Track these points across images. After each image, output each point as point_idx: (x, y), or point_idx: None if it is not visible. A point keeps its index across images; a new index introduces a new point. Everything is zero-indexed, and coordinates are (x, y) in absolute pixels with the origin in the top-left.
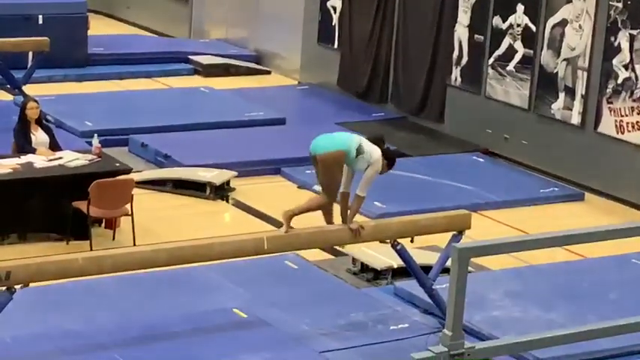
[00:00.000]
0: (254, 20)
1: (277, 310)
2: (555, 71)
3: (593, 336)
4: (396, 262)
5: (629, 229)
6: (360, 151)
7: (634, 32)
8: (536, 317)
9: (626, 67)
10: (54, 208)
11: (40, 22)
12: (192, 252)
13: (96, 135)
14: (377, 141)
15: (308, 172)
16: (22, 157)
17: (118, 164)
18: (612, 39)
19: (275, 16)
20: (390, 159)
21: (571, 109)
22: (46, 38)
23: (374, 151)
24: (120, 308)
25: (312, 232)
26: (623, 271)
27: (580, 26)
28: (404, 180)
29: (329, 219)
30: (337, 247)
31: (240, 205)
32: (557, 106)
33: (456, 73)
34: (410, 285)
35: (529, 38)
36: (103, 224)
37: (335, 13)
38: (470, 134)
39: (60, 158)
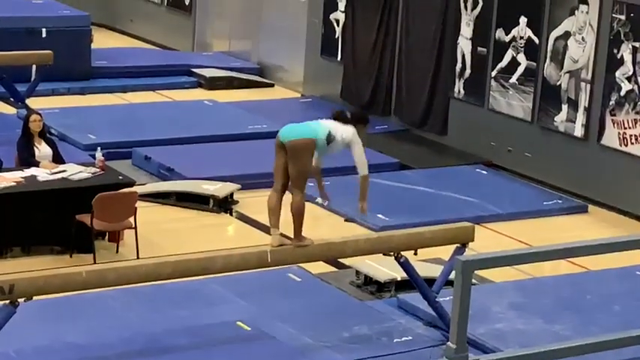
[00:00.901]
0: (257, 33)
1: (281, 322)
2: (558, 83)
3: (597, 348)
4: (400, 274)
5: (633, 241)
6: (329, 139)
7: (637, 44)
8: (540, 330)
9: (629, 79)
10: (57, 221)
11: (44, 35)
12: (195, 265)
13: (99, 148)
14: (339, 118)
15: (310, 184)
16: (25, 170)
17: (121, 177)
18: (615, 51)
19: (278, 29)
20: (360, 121)
21: (574, 122)
22: (49, 51)
23: (345, 131)
24: (123, 321)
25: (316, 244)
26: (627, 283)
27: (583, 39)
28: (407, 192)
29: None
30: (341, 260)
31: (244, 218)
32: (561, 118)
33: (459, 85)
34: (413, 297)
35: (532, 51)
36: (107, 237)
37: (338, 25)
38: (473, 146)
39: (63, 171)
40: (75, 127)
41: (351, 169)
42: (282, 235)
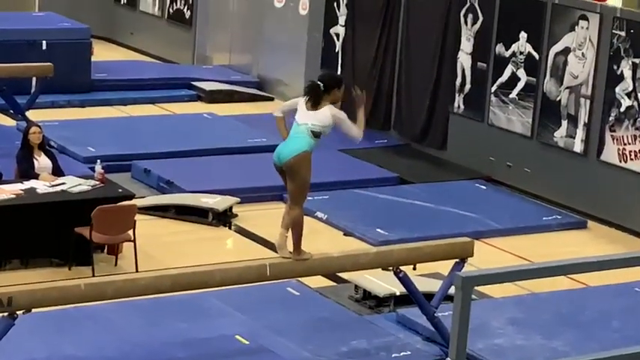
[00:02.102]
0: (257, 47)
1: (279, 336)
2: (558, 99)
3: None
4: (399, 289)
5: (633, 257)
6: (316, 134)
7: (637, 60)
8: (539, 345)
9: (629, 95)
10: (56, 233)
11: (44, 47)
12: (194, 278)
13: (99, 161)
14: (314, 99)
15: (310, 198)
16: (24, 182)
17: (120, 190)
18: (615, 67)
19: (278, 43)
20: (333, 87)
21: (574, 137)
22: (49, 64)
23: (324, 117)
24: (122, 334)
25: (314, 259)
26: (626, 299)
27: (583, 54)
28: (406, 207)
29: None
30: (339, 274)
31: (243, 232)
32: (560, 134)
33: (458, 100)
34: (412, 312)
35: (532, 66)
36: (106, 250)
37: (338, 40)
38: (472, 161)
39: (63, 184)
40: (74, 140)
41: (350, 183)
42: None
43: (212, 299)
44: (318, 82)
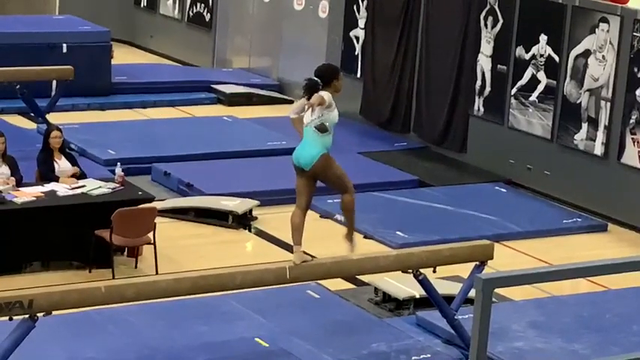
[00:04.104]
0: (277, 50)
1: (299, 339)
2: (578, 102)
3: None
4: (419, 292)
5: None
6: (321, 128)
7: None
8: (559, 348)
9: None
10: (77, 236)
11: (64, 50)
12: (214, 281)
13: (119, 163)
14: (311, 94)
15: (329, 201)
16: (45, 185)
17: (140, 193)
18: (635, 70)
19: (298, 46)
20: (332, 79)
21: (594, 140)
22: (70, 67)
23: (327, 112)
24: (142, 337)
25: (334, 261)
26: None
27: (603, 57)
28: (426, 210)
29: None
30: (359, 277)
31: (263, 234)
32: (580, 136)
33: (478, 103)
34: (432, 315)
35: (552, 69)
36: (126, 252)
37: (358, 42)
38: (492, 164)
39: (83, 186)
40: (95, 143)
41: (369, 186)
42: (304, 252)
43: (232, 302)
44: (316, 79)
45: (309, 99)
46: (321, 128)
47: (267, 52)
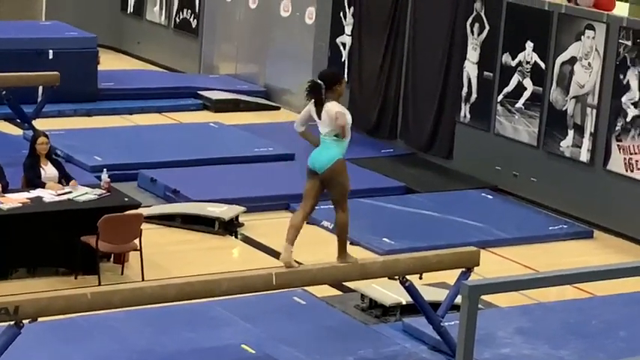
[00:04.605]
0: (264, 56)
1: (285, 346)
2: (564, 109)
3: None
4: (405, 298)
5: (638, 267)
6: (337, 134)
7: None
8: (545, 355)
9: (635, 104)
10: (63, 242)
11: (51, 56)
12: (201, 287)
13: (105, 170)
14: (318, 100)
15: (316, 207)
16: (31, 191)
17: (127, 199)
18: (621, 77)
19: (285, 52)
20: (333, 84)
21: (580, 147)
22: (56, 73)
23: (330, 118)
24: (128, 343)
25: (321, 268)
26: (633, 309)
27: (589, 64)
28: (412, 216)
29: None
30: (346, 283)
31: (249, 241)
32: (566, 143)
33: (465, 109)
34: (418, 322)
35: (538, 75)
36: (112, 259)
37: (344, 49)
38: (479, 171)
39: (69, 192)
40: (81, 149)
41: (356, 192)
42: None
43: (218, 308)
44: (319, 82)
45: (316, 103)
46: (337, 136)
47: (253, 59)
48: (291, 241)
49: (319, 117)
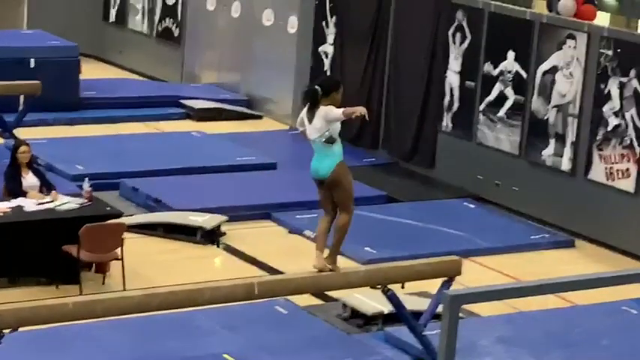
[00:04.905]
0: (246, 65)
1: (268, 355)
2: (546, 118)
3: None
4: (387, 307)
5: (620, 276)
6: (331, 140)
7: (624, 80)
8: None
9: (616, 114)
10: (44, 252)
11: (32, 65)
12: (182, 297)
13: (87, 179)
14: (314, 103)
15: (298, 216)
16: (12, 200)
17: (108, 208)
18: (602, 86)
19: (267, 62)
20: (331, 91)
21: (561, 156)
22: (38, 82)
23: (320, 123)
24: (110, 353)
25: (303, 277)
26: (615, 318)
27: (570, 73)
28: (395, 225)
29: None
30: (328, 293)
31: (231, 250)
32: (548, 152)
33: (447, 119)
34: (400, 331)
35: (520, 85)
36: (94, 268)
37: (327, 58)
38: (461, 180)
39: (50, 202)
40: (62, 158)
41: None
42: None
43: (200, 317)
44: (316, 87)
45: (310, 107)
46: (330, 140)
47: (236, 68)
48: (321, 248)
49: (310, 121)
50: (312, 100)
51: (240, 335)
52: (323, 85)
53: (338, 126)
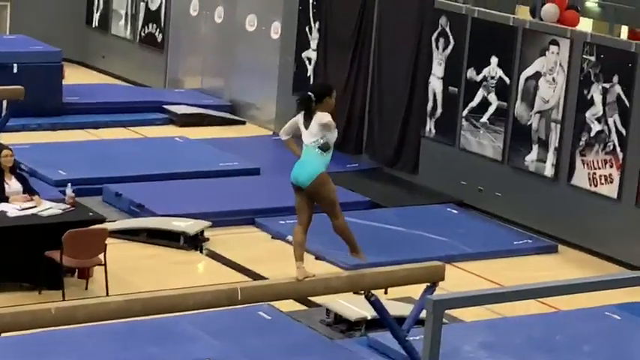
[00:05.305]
0: (229, 71)
1: None
2: (529, 123)
3: None
4: (370, 313)
5: (603, 281)
6: (323, 147)
7: (607, 85)
8: None
9: (599, 119)
10: (26, 257)
11: (15, 70)
12: (166, 302)
13: (70, 184)
14: (308, 110)
15: (282, 222)
16: None
17: (91, 214)
18: (585, 92)
19: (250, 67)
20: (325, 96)
21: (544, 162)
22: (20, 87)
23: (316, 128)
24: (93, 359)
25: (286, 282)
26: (597, 323)
27: (553, 79)
28: (378, 231)
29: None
30: (311, 298)
31: (214, 256)
32: (531, 158)
33: (430, 124)
34: (384, 337)
35: (503, 90)
36: (76, 274)
37: (310, 64)
38: (444, 186)
39: (33, 207)
40: (45, 163)
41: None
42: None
43: (183, 323)
44: (309, 94)
45: (305, 115)
46: (325, 147)
47: (219, 73)
48: (300, 257)
49: (306, 127)
50: (305, 108)
51: (224, 341)
52: (315, 92)
53: (333, 137)
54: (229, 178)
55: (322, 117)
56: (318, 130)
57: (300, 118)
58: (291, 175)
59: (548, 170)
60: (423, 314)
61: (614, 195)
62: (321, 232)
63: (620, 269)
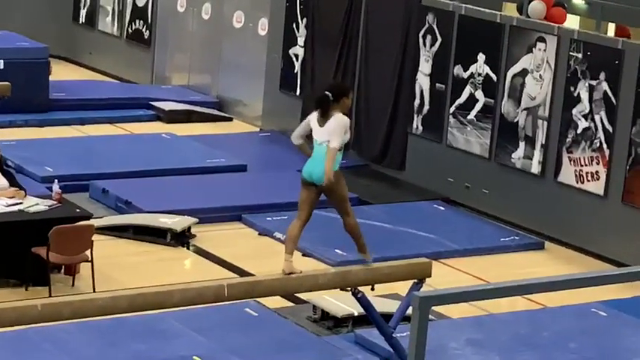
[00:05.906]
0: (216, 67)
1: (238, 357)
2: (516, 120)
3: None
4: (357, 309)
5: (589, 278)
6: (340, 147)
7: (593, 82)
8: None
9: (585, 117)
10: (13, 253)
11: (1, 67)
12: (152, 299)
13: (56, 180)
14: (325, 110)
15: (269, 218)
16: None
17: (78, 210)
18: (572, 89)
19: (237, 64)
20: (343, 95)
21: (531, 159)
22: (7, 83)
23: (333, 127)
24: (79, 355)
25: (273, 279)
26: (584, 320)
27: (540, 76)
28: (365, 228)
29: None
30: (298, 295)
31: (201, 252)
32: (518, 155)
33: (417, 121)
34: (370, 333)
35: (490, 87)
36: (63, 270)
37: (297, 60)
38: (431, 182)
39: (20, 203)
40: (32, 160)
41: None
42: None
43: (170, 320)
44: (327, 93)
45: (322, 114)
46: (340, 147)
47: (206, 70)
48: (290, 251)
49: (321, 125)
50: (323, 107)
51: (210, 337)
52: (333, 92)
53: (347, 137)
54: (216, 174)
55: (343, 121)
56: (334, 130)
57: (313, 117)
58: (303, 171)
59: (535, 167)
60: (410, 311)
61: (601, 192)
62: (309, 229)
63: (607, 266)
